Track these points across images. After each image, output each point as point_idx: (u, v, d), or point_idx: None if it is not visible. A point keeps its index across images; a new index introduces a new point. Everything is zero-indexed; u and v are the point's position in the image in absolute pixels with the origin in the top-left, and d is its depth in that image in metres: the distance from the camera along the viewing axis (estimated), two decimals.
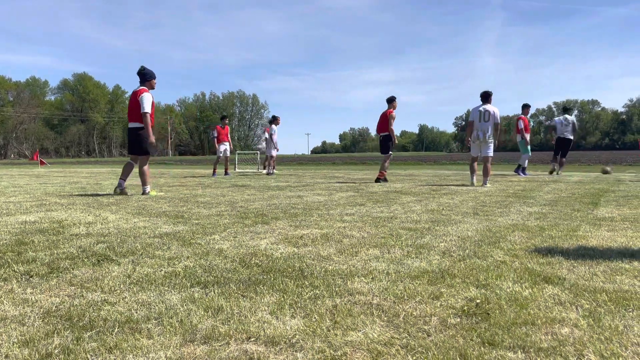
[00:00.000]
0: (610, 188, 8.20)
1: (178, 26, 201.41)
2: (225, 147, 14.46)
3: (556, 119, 13.84)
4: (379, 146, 10.78)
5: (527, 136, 13.58)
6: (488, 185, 8.92)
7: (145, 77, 7.41)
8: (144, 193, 7.35)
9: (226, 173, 14.66)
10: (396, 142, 10.58)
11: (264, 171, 16.28)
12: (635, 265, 2.70)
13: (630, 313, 1.93)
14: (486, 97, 9.13)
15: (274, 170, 15.60)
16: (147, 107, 7.15)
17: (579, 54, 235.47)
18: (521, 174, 13.27)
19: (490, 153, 9.07)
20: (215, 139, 14.44)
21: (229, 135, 14.74)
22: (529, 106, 13.88)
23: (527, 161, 13.61)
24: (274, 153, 15.29)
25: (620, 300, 2.08)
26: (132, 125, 7.37)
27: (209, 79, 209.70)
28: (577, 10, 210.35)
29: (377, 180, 10.31)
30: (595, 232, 3.77)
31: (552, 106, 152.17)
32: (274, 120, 15.32)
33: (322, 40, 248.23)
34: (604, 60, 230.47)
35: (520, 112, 13.90)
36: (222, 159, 14.52)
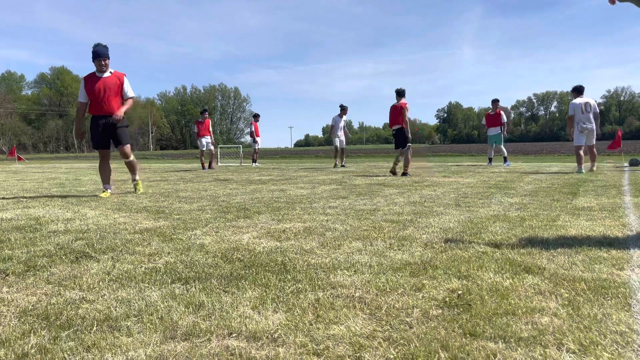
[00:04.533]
0: (589, 178, 8.33)
1: (155, 19, 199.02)
2: (206, 141, 14.39)
3: None
4: (394, 141, 10.43)
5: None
6: (594, 169, 10.09)
7: (92, 55, 6.37)
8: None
9: (208, 167, 14.57)
10: (409, 135, 10.27)
11: (337, 165, 14.91)
12: (613, 254, 2.74)
13: (609, 301, 1.95)
14: (582, 90, 10.11)
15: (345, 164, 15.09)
16: (79, 96, 6.50)
17: (558, 45, 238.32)
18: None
19: (595, 141, 10.10)
20: (196, 134, 14.43)
21: (210, 129, 14.63)
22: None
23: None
24: (340, 144, 14.80)
25: (598, 289, 2.10)
26: None
27: (190, 73, 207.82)
28: (554, 2, 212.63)
29: (404, 174, 9.94)
30: (574, 222, 3.82)
31: (532, 97, 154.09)
32: (343, 110, 14.80)
33: (302, 33, 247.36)
34: (581, 52, 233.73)
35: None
36: (206, 153, 14.46)
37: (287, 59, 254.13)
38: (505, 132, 13.98)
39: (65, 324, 1.79)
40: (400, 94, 10.34)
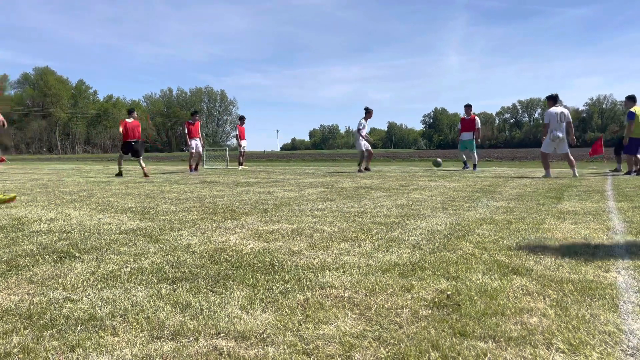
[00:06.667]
0: (573, 183, 8.43)
1: (141, 20, 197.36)
2: (195, 143, 14.26)
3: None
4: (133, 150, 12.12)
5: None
6: (577, 174, 10.25)
7: None
8: None
9: (195, 169, 14.44)
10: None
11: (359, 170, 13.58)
12: (599, 256, 2.76)
13: (596, 302, 1.97)
14: (557, 99, 10.31)
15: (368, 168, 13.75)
16: None
17: (541, 53, 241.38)
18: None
19: (568, 149, 10.28)
20: (187, 135, 14.29)
21: (199, 131, 14.47)
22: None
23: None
24: (365, 147, 13.33)
25: (585, 290, 2.12)
26: None
27: (176, 75, 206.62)
28: (538, 11, 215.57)
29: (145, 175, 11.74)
30: (560, 225, 3.86)
31: (517, 104, 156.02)
32: (368, 112, 13.35)
33: (289, 37, 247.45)
34: (564, 60, 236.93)
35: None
36: (194, 155, 14.30)
37: (273, 63, 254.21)
38: (477, 139, 14.10)
39: (48, 324, 1.75)
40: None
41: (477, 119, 13.96)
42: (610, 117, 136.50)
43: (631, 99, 11.15)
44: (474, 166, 13.94)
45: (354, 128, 13.83)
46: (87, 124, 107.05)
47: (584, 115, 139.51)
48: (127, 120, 12.13)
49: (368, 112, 13.49)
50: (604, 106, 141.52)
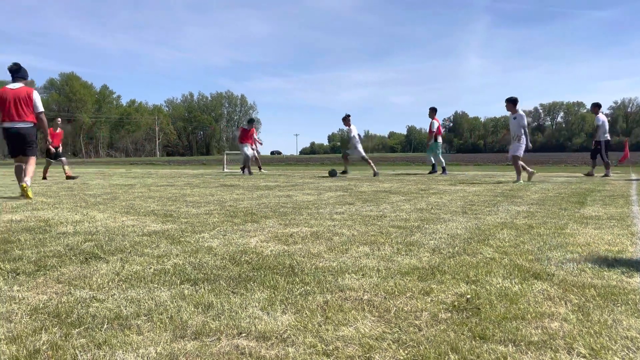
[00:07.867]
0: (597, 188, 8.29)
1: (164, 26, 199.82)
2: (245, 148, 15.29)
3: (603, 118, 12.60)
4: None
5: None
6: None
7: (25, 74, 6.96)
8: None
9: (250, 172, 15.12)
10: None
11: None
12: (622, 261, 2.73)
13: (619, 308, 1.95)
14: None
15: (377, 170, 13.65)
16: (42, 106, 6.89)
17: (564, 56, 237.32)
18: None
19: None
20: (238, 139, 15.48)
21: (254, 137, 15.64)
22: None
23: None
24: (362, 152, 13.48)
25: (608, 295, 2.10)
26: (21, 124, 6.67)
27: (197, 80, 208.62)
28: (560, 13, 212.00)
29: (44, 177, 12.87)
30: (582, 230, 3.81)
31: (539, 107, 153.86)
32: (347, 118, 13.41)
33: (308, 41, 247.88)
34: (588, 63, 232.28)
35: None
36: (250, 158, 15.39)
37: (293, 67, 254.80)
38: (428, 141, 14.16)
39: (76, 322, 1.81)
40: None
41: (432, 122, 13.90)
42: (635, 120, 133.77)
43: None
44: (443, 169, 13.85)
45: (373, 133, 14.06)
46: (110, 128, 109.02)
47: (609, 118, 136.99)
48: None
49: (347, 118, 13.41)
50: (629, 109, 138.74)
